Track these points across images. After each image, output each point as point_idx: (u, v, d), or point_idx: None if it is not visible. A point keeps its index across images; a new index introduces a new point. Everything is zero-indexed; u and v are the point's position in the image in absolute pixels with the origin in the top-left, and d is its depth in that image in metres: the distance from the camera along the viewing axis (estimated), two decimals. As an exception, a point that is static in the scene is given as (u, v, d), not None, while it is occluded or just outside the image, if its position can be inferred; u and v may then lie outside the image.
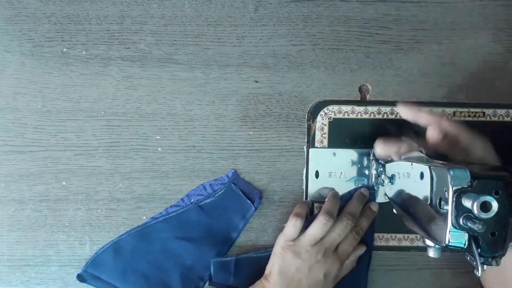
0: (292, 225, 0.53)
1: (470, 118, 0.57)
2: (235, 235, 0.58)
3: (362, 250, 0.56)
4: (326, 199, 0.55)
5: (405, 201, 0.48)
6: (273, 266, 0.53)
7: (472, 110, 0.57)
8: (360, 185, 0.57)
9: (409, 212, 0.47)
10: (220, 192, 0.57)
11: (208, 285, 0.58)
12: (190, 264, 0.58)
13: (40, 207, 0.58)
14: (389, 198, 0.54)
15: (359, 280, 0.58)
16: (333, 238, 0.53)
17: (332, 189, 0.57)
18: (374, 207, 0.57)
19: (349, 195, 0.57)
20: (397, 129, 0.56)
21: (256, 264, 0.56)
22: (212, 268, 0.57)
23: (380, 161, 0.55)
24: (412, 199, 0.45)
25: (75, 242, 0.58)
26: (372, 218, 0.56)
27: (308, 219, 0.55)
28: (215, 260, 0.57)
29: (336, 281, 0.55)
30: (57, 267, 0.58)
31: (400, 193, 0.50)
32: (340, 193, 0.57)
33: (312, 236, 0.52)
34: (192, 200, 0.58)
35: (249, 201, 0.57)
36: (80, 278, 0.58)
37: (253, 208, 0.57)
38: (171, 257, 0.58)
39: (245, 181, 0.58)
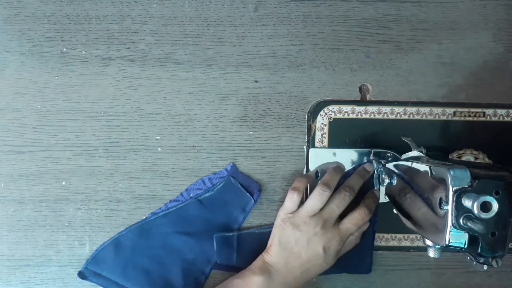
0: (290, 199, 0.53)
1: (470, 118, 0.57)
2: (235, 228, 0.58)
3: (365, 226, 0.56)
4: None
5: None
6: (274, 238, 0.54)
7: (472, 110, 0.57)
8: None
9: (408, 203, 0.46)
10: (219, 186, 0.57)
11: (213, 269, 0.58)
12: (191, 259, 0.58)
13: (40, 207, 0.58)
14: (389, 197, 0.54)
15: (365, 255, 0.57)
16: (331, 209, 0.52)
17: (337, 163, 0.57)
18: (377, 193, 0.56)
19: (353, 171, 0.56)
20: (397, 129, 0.57)
21: (258, 239, 0.56)
22: (215, 244, 0.57)
23: (380, 161, 0.55)
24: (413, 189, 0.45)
25: (75, 242, 0.58)
26: (377, 199, 0.55)
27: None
28: (218, 235, 0.57)
29: (338, 256, 0.54)
30: (57, 267, 0.58)
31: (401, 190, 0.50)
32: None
33: (309, 207, 0.52)
34: (191, 195, 0.58)
35: (248, 194, 0.57)
36: (81, 275, 0.58)
37: (253, 200, 0.57)
38: (171, 252, 0.58)
39: (244, 174, 0.58)
